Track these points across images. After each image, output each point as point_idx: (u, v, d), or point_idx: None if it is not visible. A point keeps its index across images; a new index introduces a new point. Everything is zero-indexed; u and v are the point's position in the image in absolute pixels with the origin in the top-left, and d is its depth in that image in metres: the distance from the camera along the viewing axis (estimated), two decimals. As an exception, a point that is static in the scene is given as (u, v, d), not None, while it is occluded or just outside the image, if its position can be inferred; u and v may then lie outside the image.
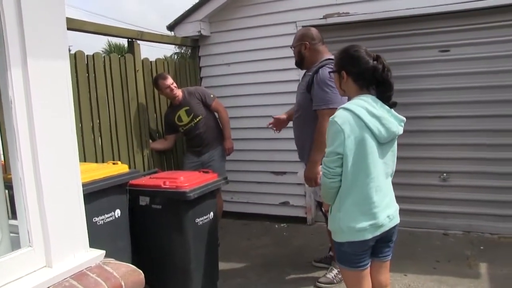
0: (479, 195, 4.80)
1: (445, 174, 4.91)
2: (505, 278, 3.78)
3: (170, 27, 5.71)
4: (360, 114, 2.34)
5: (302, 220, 5.49)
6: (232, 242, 5.04)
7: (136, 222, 3.63)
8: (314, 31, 3.90)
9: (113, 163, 3.58)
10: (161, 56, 5.77)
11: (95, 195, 3.11)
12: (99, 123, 4.28)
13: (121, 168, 3.47)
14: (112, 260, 2.31)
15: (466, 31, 4.69)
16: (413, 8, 4.67)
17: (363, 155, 2.35)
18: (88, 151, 4.13)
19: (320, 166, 2.51)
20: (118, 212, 3.37)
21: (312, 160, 3.59)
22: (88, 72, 4.16)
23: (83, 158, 4.08)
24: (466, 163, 4.84)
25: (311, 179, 3.64)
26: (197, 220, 3.55)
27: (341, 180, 2.40)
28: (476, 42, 4.67)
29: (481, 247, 4.45)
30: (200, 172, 3.89)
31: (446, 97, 4.84)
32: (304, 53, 3.82)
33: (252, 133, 5.65)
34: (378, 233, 2.42)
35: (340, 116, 2.37)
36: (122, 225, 3.43)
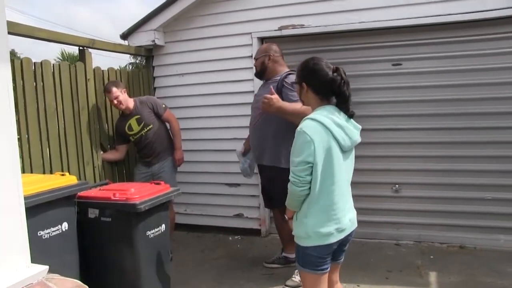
0: (429, 206, 4.92)
1: (397, 186, 5.01)
2: (453, 286, 3.89)
3: (124, 36, 5.60)
4: (327, 124, 2.43)
5: (256, 232, 5.45)
6: (185, 255, 4.96)
7: (85, 235, 3.52)
8: (276, 45, 4.19)
9: (61, 175, 3.45)
10: (116, 66, 5.64)
11: (40, 208, 2.99)
12: (47, 133, 4.13)
13: (69, 179, 3.34)
14: (56, 276, 2.22)
15: (418, 45, 4.81)
16: (367, 22, 4.76)
17: (330, 163, 2.44)
18: (35, 163, 3.98)
19: None
20: (65, 225, 3.24)
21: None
22: (36, 80, 4.02)
23: (30, 169, 3.93)
24: (417, 175, 4.95)
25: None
26: (148, 232, 3.47)
27: (309, 188, 2.47)
28: (428, 57, 4.80)
29: (431, 256, 4.55)
30: (151, 184, 3.81)
31: (398, 109, 4.94)
32: (267, 63, 4.09)
33: (206, 145, 5.60)
34: (342, 236, 2.54)
35: (309, 127, 2.45)
36: (70, 239, 3.30)
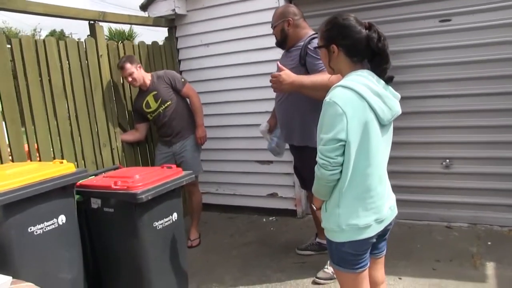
0: (486, 183, 4.27)
1: (448, 161, 4.38)
2: (515, 281, 3.27)
3: (143, 7, 5.21)
4: (363, 93, 2.01)
5: (292, 213, 5.03)
6: (214, 239, 4.65)
7: (90, 227, 3.26)
8: (294, 7, 3.64)
9: (60, 162, 3.16)
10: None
11: (29, 201, 2.71)
12: (55, 116, 3.86)
13: (66, 167, 3.02)
14: (25, 284, 1.99)
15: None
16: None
17: (366, 140, 2.03)
18: (44, 149, 3.73)
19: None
20: (62, 218, 2.95)
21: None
22: (39, 59, 3.73)
23: (38, 157, 3.70)
24: (472, 148, 4.30)
25: None
26: (156, 223, 3.12)
27: (341, 172, 2.05)
28: (483, 9, 4.07)
29: (489, 243, 3.92)
30: (162, 168, 3.45)
31: (448, 73, 4.27)
32: (287, 30, 3.51)
33: (235, 119, 5.19)
34: (382, 228, 2.16)
35: (340, 96, 2.01)
36: (68, 232, 3.00)
